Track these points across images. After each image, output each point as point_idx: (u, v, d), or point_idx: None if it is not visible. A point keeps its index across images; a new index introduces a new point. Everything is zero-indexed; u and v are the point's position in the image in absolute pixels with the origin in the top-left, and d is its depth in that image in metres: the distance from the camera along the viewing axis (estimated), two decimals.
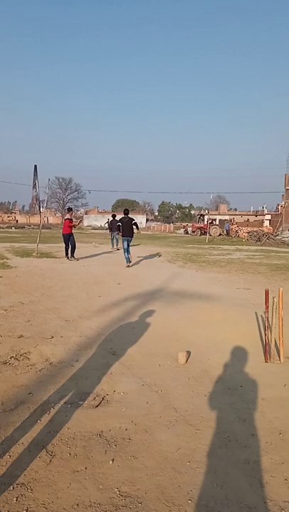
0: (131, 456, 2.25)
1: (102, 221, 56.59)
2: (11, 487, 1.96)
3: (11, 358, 3.70)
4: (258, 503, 1.90)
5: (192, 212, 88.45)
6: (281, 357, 3.89)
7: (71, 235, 12.02)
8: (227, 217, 48.83)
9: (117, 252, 15.15)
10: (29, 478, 2.04)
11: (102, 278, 8.85)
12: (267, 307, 3.94)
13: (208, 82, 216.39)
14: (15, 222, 62.19)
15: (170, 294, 7.10)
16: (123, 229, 11.27)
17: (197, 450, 2.32)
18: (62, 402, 2.86)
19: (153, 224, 69.61)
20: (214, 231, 36.99)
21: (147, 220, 74.27)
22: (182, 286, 7.94)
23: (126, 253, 11.11)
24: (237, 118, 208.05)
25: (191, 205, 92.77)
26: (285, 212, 41.49)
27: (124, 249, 11.24)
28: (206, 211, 51.44)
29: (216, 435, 2.49)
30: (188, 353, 3.90)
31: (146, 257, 13.97)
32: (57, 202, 74.04)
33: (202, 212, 55.54)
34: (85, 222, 63.22)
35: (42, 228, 16.63)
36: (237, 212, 61.59)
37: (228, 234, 36.98)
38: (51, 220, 67.66)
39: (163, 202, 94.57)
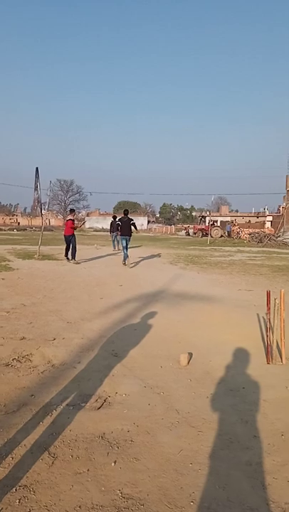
0: (133, 458, 2.26)
1: (104, 223, 56.58)
2: (14, 489, 1.96)
3: (13, 360, 3.71)
4: (260, 505, 1.89)
5: (193, 213, 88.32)
6: (283, 358, 3.89)
7: (73, 236, 12.02)
8: (228, 219, 48.89)
9: (118, 254, 15.16)
10: (31, 480, 2.04)
11: (104, 280, 8.86)
12: (268, 308, 3.94)
13: (208, 82, 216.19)
14: (17, 224, 62.29)
15: (172, 296, 7.11)
16: (122, 228, 11.75)
17: (199, 452, 2.32)
18: (64, 404, 2.87)
19: (154, 226, 69.59)
20: (216, 232, 37.02)
21: (149, 221, 74.26)
22: (184, 288, 7.94)
23: (125, 250, 11.60)
24: (237, 118, 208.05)
25: (192, 206, 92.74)
26: (286, 213, 41.39)
27: (122, 247, 11.76)
28: (208, 213, 51.39)
29: (218, 437, 2.49)
30: (190, 354, 3.90)
31: (147, 259, 13.99)
32: (58, 204, 74.11)
33: (203, 213, 55.55)
34: (87, 224, 63.28)
35: (44, 230, 16.65)
36: (238, 214, 61.50)
37: (229, 235, 36.98)
38: (53, 222, 67.75)
39: (164, 204, 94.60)
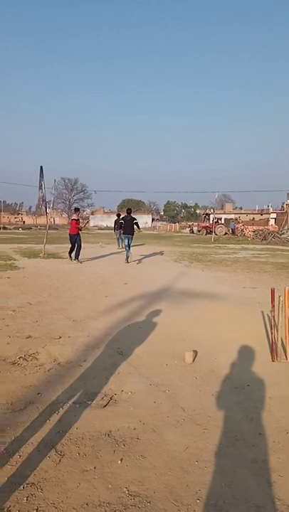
0: (139, 455, 2.27)
1: (108, 221, 56.63)
2: (21, 487, 1.98)
3: (19, 358, 3.74)
4: (266, 502, 1.90)
5: (197, 211, 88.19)
6: (288, 356, 3.88)
7: (78, 235, 11.95)
8: (232, 216, 48.66)
9: (122, 253, 15.17)
10: (39, 477, 2.06)
11: (109, 278, 8.88)
12: (273, 306, 3.93)
13: (208, 82, 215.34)
14: (22, 223, 62.57)
15: (176, 294, 7.11)
16: (124, 227, 12.02)
17: (205, 449, 2.33)
18: (70, 402, 2.89)
19: (158, 224, 69.52)
20: (220, 230, 36.89)
21: (153, 219, 74.21)
22: (188, 286, 7.95)
23: (127, 248, 11.99)
24: (237, 118, 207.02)
25: (196, 204, 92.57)
26: None
27: (124, 245, 12.21)
28: (212, 210, 51.25)
29: (223, 434, 2.50)
30: (195, 352, 3.91)
31: (150, 256, 13.99)
32: (63, 203, 74.37)
33: (207, 211, 55.42)
34: (91, 223, 63.37)
35: (49, 229, 16.71)
36: (242, 211, 61.21)
37: (233, 233, 36.82)
38: (58, 220, 67.97)
39: (168, 201, 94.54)
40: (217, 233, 34.76)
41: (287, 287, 4.06)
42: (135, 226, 11.92)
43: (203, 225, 41.71)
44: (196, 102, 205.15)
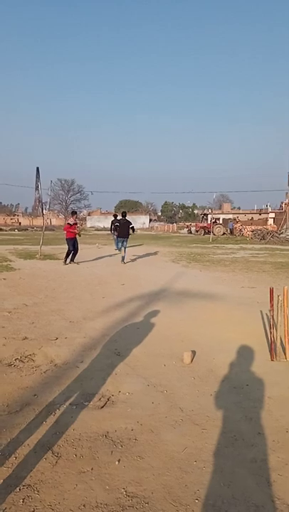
0: (137, 456, 2.25)
1: (105, 222, 56.59)
2: (18, 488, 1.96)
3: (15, 359, 3.71)
4: (265, 502, 1.88)
5: (195, 211, 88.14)
6: (287, 355, 3.87)
7: (75, 238, 11.74)
8: (230, 216, 48.74)
9: (119, 254, 15.14)
10: (35, 479, 2.03)
11: (106, 279, 8.85)
12: (272, 305, 3.92)
13: (208, 82, 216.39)
14: (18, 224, 62.36)
15: (174, 294, 7.09)
16: (120, 230, 12.28)
17: (203, 449, 2.31)
18: (67, 403, 2.86)
19: (156, 224, 69.52)
20: (218, 230, 36.90)
21: (150, 220, 74.17)
22: (186, 286, 7.93)
23: (123, 251, 12.16)
24: (237, 118, 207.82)
25: (194, 204, 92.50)
26: (288, 210, 41.28)
27: (119, 247, 12.54)
28: (210, 210, 51.28)
29: (222, 434, 2.48)
30: (194, 352, 3.89)
31: (148, 257, 13.97)
32: (60, 204, 74.15)
33: (205, 211, 55.41)
34: (88, 224, 63.32)
35: (45, 230, 16.66)
36: (240, 211, 61.28)
37: (231, 233, 36.85)
38: (54, 221, 67.81)
39: (166, 202, 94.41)
40: (215, 233, 34.77)
41: (286, 287, 4.05)
42: (130, 230, 12.19)
43: (201, 225, 41.66)
44: (196, 102, 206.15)
